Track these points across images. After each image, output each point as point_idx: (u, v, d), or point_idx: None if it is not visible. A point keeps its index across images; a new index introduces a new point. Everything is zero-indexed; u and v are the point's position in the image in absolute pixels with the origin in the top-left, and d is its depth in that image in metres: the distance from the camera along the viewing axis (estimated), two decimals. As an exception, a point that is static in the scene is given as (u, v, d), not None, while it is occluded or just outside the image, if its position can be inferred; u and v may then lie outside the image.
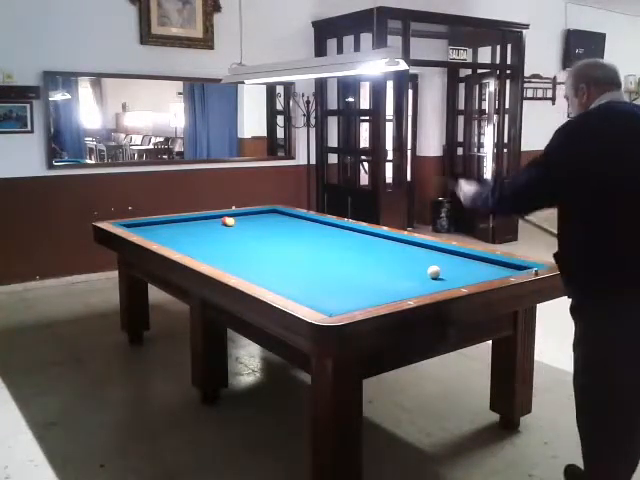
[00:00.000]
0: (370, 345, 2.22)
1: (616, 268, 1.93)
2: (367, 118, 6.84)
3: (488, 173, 7.26)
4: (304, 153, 6.71)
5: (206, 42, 5.87)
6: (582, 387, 2.08)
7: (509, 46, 7.07)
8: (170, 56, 5.72)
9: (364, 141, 7.33)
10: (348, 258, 3.27)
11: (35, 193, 5.30)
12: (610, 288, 1.95)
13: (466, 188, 2.46)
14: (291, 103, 6.61)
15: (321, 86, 6.64)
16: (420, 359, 2.63)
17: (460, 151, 7.90)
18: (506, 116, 7.15)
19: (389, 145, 6.43)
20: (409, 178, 7.39)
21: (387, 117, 6.31)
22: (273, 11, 6.24)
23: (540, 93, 8.70)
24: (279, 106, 6.90)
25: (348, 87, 6.71)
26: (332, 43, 6.52)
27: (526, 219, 2.59)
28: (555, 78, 8.86)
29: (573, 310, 2.06)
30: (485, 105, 7.39)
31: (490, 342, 2.95)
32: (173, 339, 4.13)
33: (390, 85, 6.27)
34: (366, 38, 6.00)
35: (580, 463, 2.67)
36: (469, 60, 7.77)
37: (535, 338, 2.94)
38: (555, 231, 2.38)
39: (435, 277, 2.69)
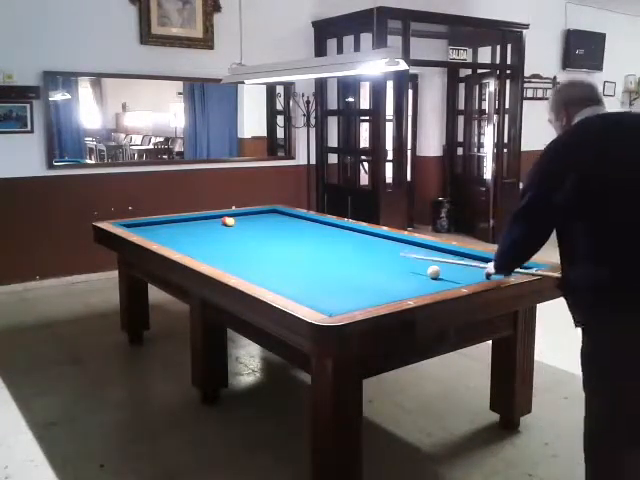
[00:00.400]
0: (370, 345, 2.22)
1: (619, 283, 1.91)
2: (367, 118, 6.84)
3: (488, 173, 7.27)
4: (304, 153, 6.71)
5: (206, 42, 5.87)
6: (588, 395, 2.07)
7: (509, 46, 7.07)
8: (170, 56, 5.72)
9: (364, 141, 7.33)
10: (348, 258, 3.27)
11: (35, 193, 5.30)
12: (615, 304, 1.93)
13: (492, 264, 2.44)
14: (291, 103, 6.61)
15: (321, 86, 6.64)
16: (420, 359, 2.63)
17: (460, 151, 7.90)
18: (506, 116, 7.15)
19: (389, 145, 6.43)
20: (409, 178, 7.40)
21: (387, 117, 6.31)
22: (273, 11, 6.24)
23: (540, 93, 8.69)
24: (279, 106, 6.90)
25: (348, 87, 6.71)
26: (332, 43, 6.52)
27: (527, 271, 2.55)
28: (555, 78, 8.85)
29: (577, 325, 2.05)
30: (485, 105, 7.39)
31: (490, 342, 2.95)
32: (173, 339, 4.13)
33: (390, 85, 6.27)
34: (366, 38, 6.00)
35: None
36: (469, 60, 7.77)
37: (535, 338, 2.95)
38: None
39: (435, 277, 2.69)
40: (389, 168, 6.46)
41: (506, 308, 2.70)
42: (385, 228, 3.89)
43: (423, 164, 8.06)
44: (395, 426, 3.04)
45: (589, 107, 2.03)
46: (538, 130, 8.28)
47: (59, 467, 2.68)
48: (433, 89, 7.93)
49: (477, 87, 7.59)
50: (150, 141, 10.04)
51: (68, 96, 7.66)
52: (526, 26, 7.01)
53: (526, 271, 2.55)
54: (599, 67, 9.29)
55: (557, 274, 2.16)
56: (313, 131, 6.74)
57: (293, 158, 6.71)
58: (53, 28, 5.20)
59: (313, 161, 6.79)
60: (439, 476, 2.66)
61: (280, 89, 6.74)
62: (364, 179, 6.98)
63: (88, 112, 9.85)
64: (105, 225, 3.93)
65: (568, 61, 8.90)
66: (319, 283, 2.77)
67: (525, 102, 7.40)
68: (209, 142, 8.18)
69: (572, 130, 2.04)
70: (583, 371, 2.08)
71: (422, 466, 2.73)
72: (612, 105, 9.81)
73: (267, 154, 7.14)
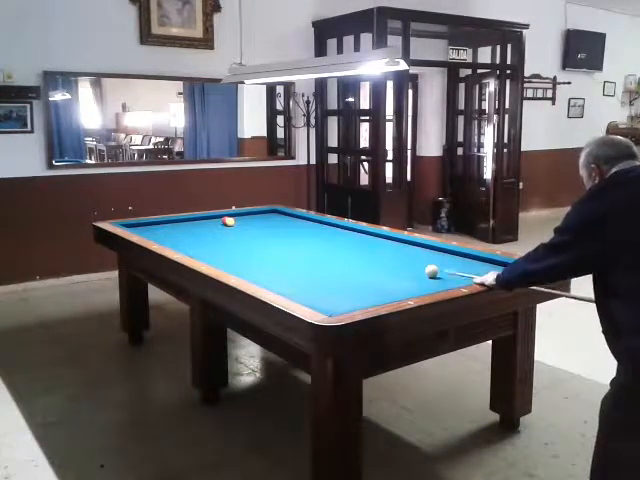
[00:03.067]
0: (370, 345, 2.22)
1: None
2: (367, 118, 6.83)
3: (488, 173, 7.27)
4: (304, 153, 6.71)
5: (206, 42, 5.87)
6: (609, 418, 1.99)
7: (509, 46, 7.07)
8: (170, 56, 5.71)
9: (364, 141, 7.33)
10: (348, 258, 3.27)
11: (35, 193, 5.30)
12: None
13: (491, 276, 2.41)
14: (291, 103, 6.61)
15: (321, 86, 6.64)
16: (420, 359, 2.63)
17: (460, 151, 7.90)
18: (506, 116, 7.15)
19: (389, 145, 6.43)
20: (409, 178, 7.40)
21: (387, 117, 6.31)
22: (273, 11, 6.24)
23: (540, 93, 8.70)
24: (279, 106, 6.90)
25: (348, 87, 6.70)
26: (332, 43, 6.51)
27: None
28: (555, 78, 8.85)
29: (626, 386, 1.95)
30: (485, 105, 7.39)
31: (490, 342, 2.95)
32: (173, 339, 4.13)
33: (390, 85, 6.27)
34: (366, 38, 6.00)
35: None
36: (469, 60, 7.77)
37: (535, 338, 2.94)
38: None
39: (433, 276, 2.69)
40: (389, 168, 6.46)
41: (506, 308, 2.69)
42: (385, 228, 3.89)
43: (423, 164, 8.05)
44: (395, 426, 3.04)
45: (622, 162, 1.99)
46: (538, 130, 8.34)
47: (59, 467, 2.68)
48: (433, 89, 7.93)
49: (477, 87, 7.59)
50: (150, 141, 10.04)
51: (68, 96, 7.66)
52: (526, 26, 7.01)
53: (559, 292, 2.49)
54: (599, 67, 9.29)
55: (588, 298, 2.11)
56: (313, 131, 6.74)
57: (293, 158, 6.71)
58: (53, 28, 5.20)
59: (313, 161, 6.79)
60: (439, 476, 2.66)
61: (280, 89, 6.74)
62: (364, 179, 6.97)
63: (88, 112, 9.85)
64: (105, 225, 3.93)
65: (568, 61, 8.90)
66: (319, 283, 2.77)
67: (525, 102, 7.40)
68: (209, 142, 8.18)
69: (607, 182, 1.99)
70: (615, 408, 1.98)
71: (422, 466, 2.73)
72: (612, 105, 9.82)
73: (267, 154, 7.14)
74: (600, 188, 1.99)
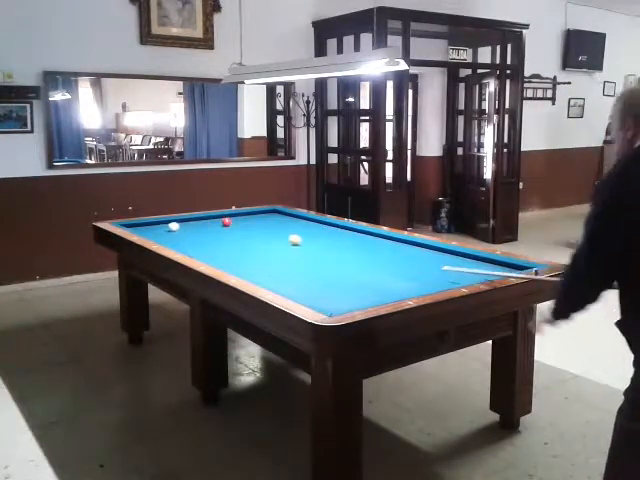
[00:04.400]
0: (370, 345, 2.22)
1: None
2: (367, 118, 6.84)
3: (488, 173, 7.27)
4: (304, 153, 6.71)
5: (206, 42, 5.87)
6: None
7: (509, 46, 7.08)
8: (170, 56, 5.72)
9: (364, 141, 7.33)
10: (348, 258, 3.27)
11: (35, 193, 5.30)
12: None
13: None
14: (291, 103, 6.61)
15: (321, 86, 6.64)
16: (420, 359, 2.63)
17: (460, 151, 7.90)
18: (506, 116, 7.15)
19: (389, 145, 6.43)
20: (409, 178, 7.40)
21: (387, 117, 6.31)
22: (273, 11, 6.25)
23: (540, 93, 8.70)
24: (279, 106, 6.90)
25: (348, 87, 6.71)
26: (332, 43, 6.52)
27: None
28: (555, 78, 8.86)
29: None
30: (485, 105, 7.39)
31: (490, 342, 2.95)
32: (173, 339, 4.13)
33: (390, 85, 6.27)
34: (366, 38, 6.00)
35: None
36: (469, 60, 7.77)
37: (535, 338, 2.94)
38: None
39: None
40: (389, 168, 6.47)
41: (506, 308, 2.69)
42: (385, 228, 3.88)
43: (423, 164, 8.05)
44: (395, 426, 3.04)
45: None
46: (538, 130, 8.34)
47: (59, 467, 2.68)
48: (433, 89, 7.93)
49: (477, 87, 7.59)
50: (150, 141, 10.04)
51: (68, 96, 7.66)
52: (526, 26, 7.01)
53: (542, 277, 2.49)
54: (599, 67, 9.29)
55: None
56: (313, 131, 6.74)
57: (293, 158, 6.71)
58: (53, 28, 5.20)
59: (313, 161, 6.79)
60: (439, 476, 2.66)
61: (280, 89, 6.74)
62: (364, 179, 6.98)
63: (88, 112, 9.85)
64: (105, 225, 3.93)
65: (568, 61, 8.90)
66: (319, 283, 2.77)
67: (525, 102, 7.40)
68: (209, 142, 8.17)
69: (631, 156, 1.76)
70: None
71: (422, 466, 2.73)
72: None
73: (267, 154, 7.14)
74: (630, 160, 1.74)
